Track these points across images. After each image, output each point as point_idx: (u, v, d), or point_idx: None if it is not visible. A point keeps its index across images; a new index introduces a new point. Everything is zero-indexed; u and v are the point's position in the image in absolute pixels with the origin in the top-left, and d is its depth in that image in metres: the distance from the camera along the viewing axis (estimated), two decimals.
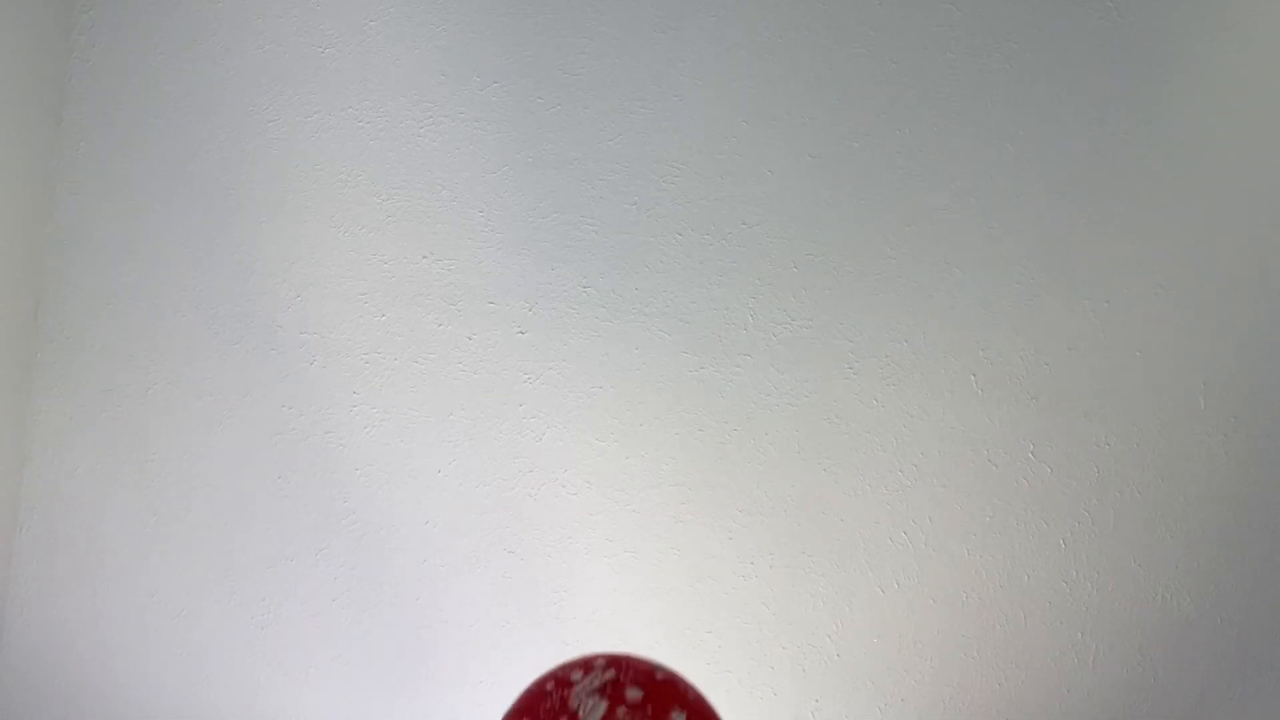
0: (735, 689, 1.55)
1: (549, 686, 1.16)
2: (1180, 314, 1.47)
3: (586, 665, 1.17)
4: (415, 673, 1.61)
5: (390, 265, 1.61)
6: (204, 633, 1.65)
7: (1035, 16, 1.49)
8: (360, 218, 1.61)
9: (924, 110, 1.51)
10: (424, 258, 1.60)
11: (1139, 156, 1.47)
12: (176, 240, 1.65)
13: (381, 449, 1.61)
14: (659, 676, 1.14)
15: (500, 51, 1.59)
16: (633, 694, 1.14)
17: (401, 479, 1.61)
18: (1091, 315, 1.48)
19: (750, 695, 1.55)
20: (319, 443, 1.62)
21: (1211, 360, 1.46)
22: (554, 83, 1.58)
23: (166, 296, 1.65)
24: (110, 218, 1.67)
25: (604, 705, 1.11)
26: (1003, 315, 1.50)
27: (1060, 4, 1.49)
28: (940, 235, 1.51)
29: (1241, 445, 1.45)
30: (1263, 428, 1.45)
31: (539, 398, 1.58)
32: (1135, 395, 1.47)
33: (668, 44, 1.56)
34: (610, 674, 1.15)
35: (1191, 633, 1.46)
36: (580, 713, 1.10)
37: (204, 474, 1.65)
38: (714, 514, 1.55)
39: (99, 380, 1.67)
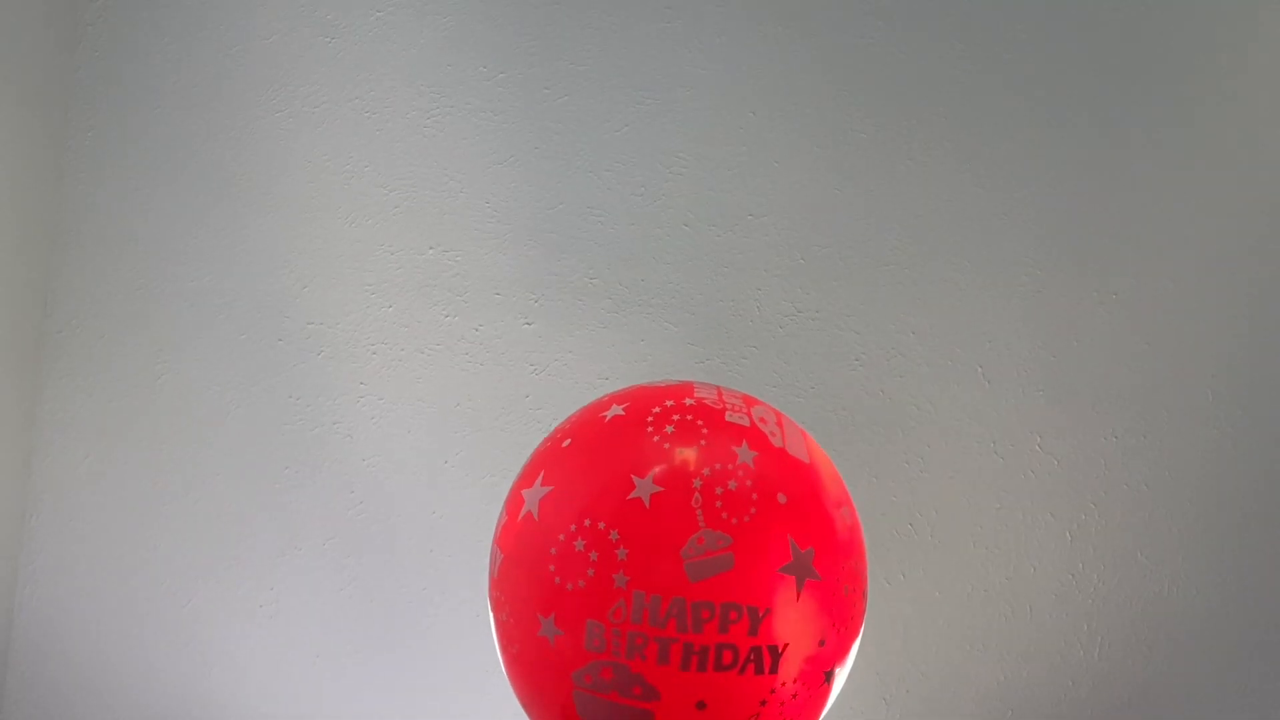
0: None
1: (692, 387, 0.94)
2: (1189, 307, 1.46)
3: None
4: (421, 662, 1.61)
5: (397, 256, 1.61)
6: (211, 621, 1.65)
7: (1045, 8, 1.48)
8: (367, 209, 1.61)
9: (932, 101, 1.50)
10: (431, 249, 1.60)
11: (1149, 148, 1.47)
12: (183, 231, 1.65)
13: (388, 440, 1.61)
14: None
15: (507, 42, 1.59)
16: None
17: (408, 470, 1.61)
18: (1099, 308, 1.47)
19: None
20: (325, 433, 1.63)
21: (1219, 353, 1.46)
22: (561, 73, 1.58)
23: (173, 287, 1.66)
24: (117, 209, 1.67)
25: (800, 434, 0.94)
26: (1010, 307, 1.49)
27: (1071, 4, 1.48)
28: (948, 227, 1.50)
29: (1249, 438, 1.45)
30: (1270, 421, 1.45)
31: (545, 389, 1.58)
32: (1143, 388, 1.47)
33: (675, 34, 1.55)
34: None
35: (1198, 625, 1.46)
36: (769, 434, 0.88)
37: (211, 464, 1.65)
38: None
39: (106, 371, 1.67)
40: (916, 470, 1.51)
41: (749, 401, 0.95)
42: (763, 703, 0.82)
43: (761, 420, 0.90)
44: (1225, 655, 1.45)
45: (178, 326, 1.66)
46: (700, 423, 0.88)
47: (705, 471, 0.84)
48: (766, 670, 0.82)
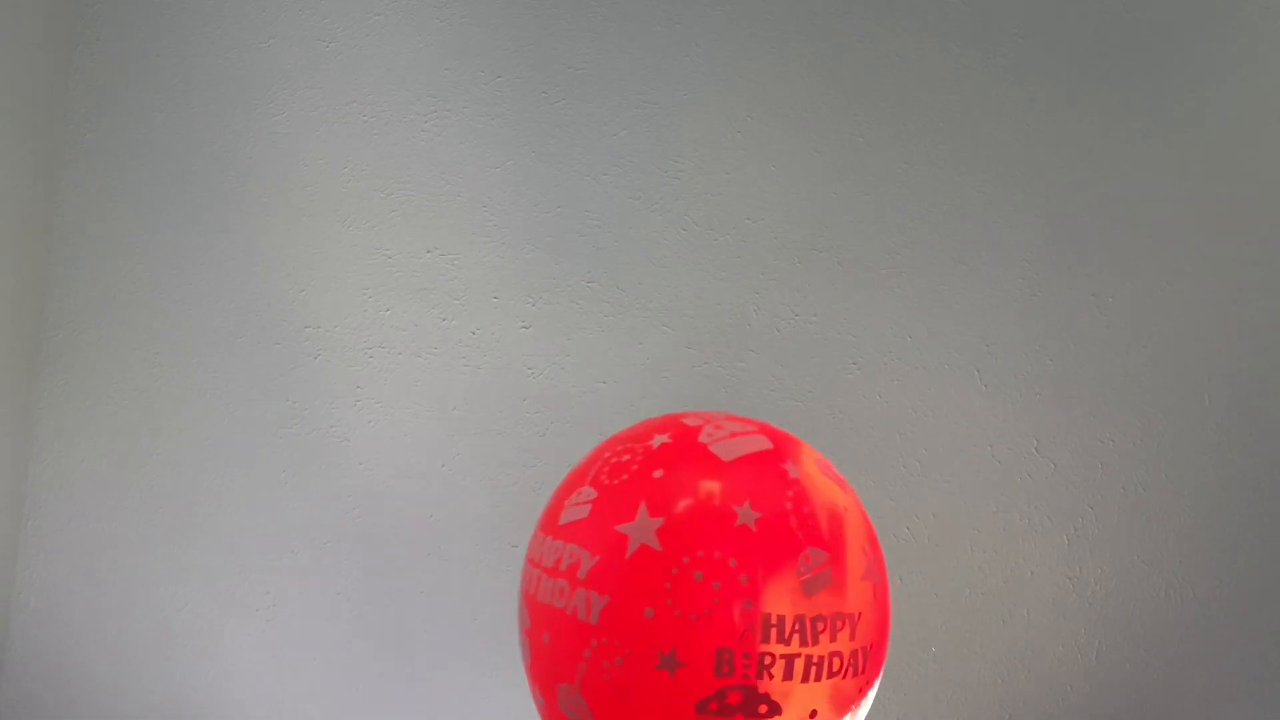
0: None
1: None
2: (1186, 310, 1.46)
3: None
4: (418, 666, 1.61)
5: (394, 259, 1.61)
6: (207, 625, 1.65)
7: (1041, 10, 1.48)
8: (364, 212, 1.61)
9: (929, 105, 1.50)
10: (428, 252, 1.60)
11: (1145, 151, 1.47)
12: (180, 234, 1.65)
13: (385, 443, 1.61)
14: None
15: (505, 46, 1.59)
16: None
17: (404, 473, 1.61)
18: (1096, 311, 1.47)
19: None
20: (322, 437, 1.62)
21: (1216, 357, 1.45)
22: (558, 77, 1.58)
23: (170, 291, 1.66)
24: (114, 213, 1.67)
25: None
26: (1007, 310, 1.49)
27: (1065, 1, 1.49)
28: (944, 230, 1.50)
29: (1246, 442, 1.45)
30: (1268, 424, 1.45)
31: (542, 392, 1.58)
32: (1140, 391, 1.47)
33: (672, 39, 1.56)
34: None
35: (1194, 629, 1.46)
36: (706, 433, 0.92)
37: (208, 468, 1.65)
38: None
39: (103, 375, 1.67)
40: (914, 473, 1.51)
41: (735, 419, 0.99)
42: (586, 653, 0.86)
43: (716, 426, 0.95)
44: (1222, 659, 1.45)
45: (174, 330, 1.66)
46: (658, 423, 0.98)
47: (619, 448, 0.93)
48: (588, 618, 0.86)
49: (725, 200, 1.54)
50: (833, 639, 0.88)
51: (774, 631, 0.85)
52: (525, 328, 1.58)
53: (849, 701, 0.91)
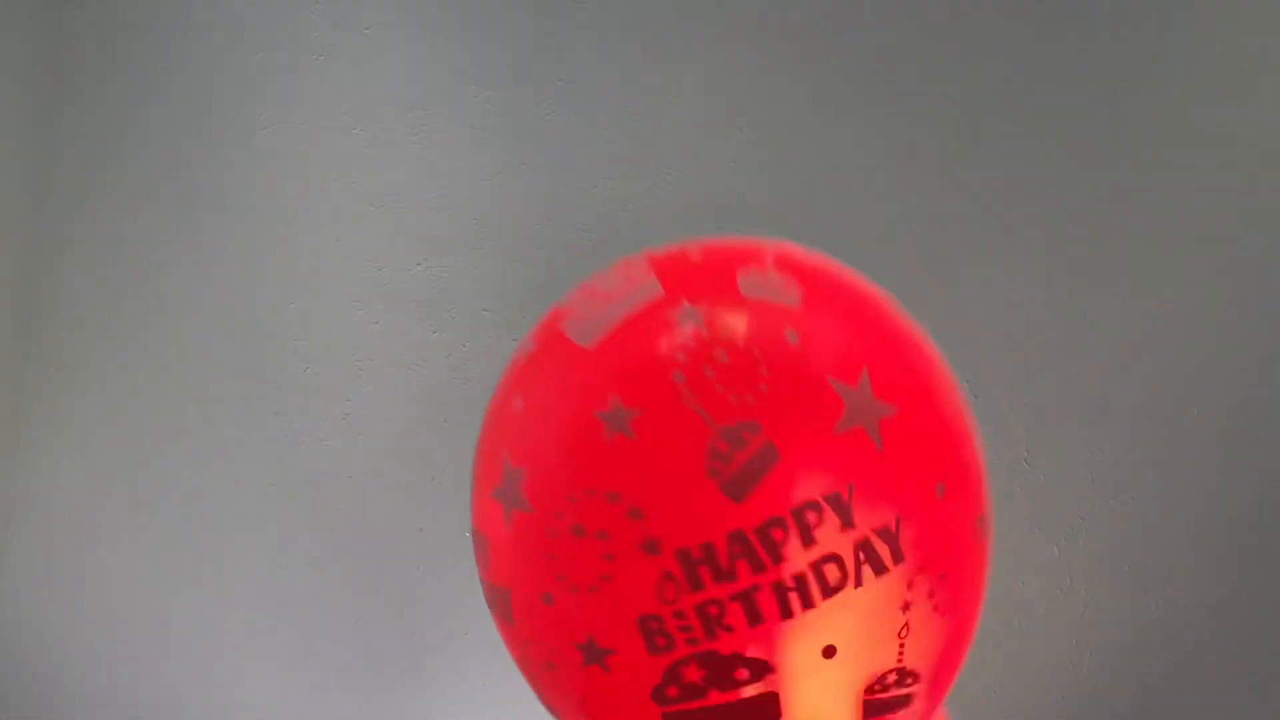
0: None
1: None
2: (1175, 321, 1.46)
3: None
4: (410, 680, 1.60)
5: (384, 272, 1.60)
6: (197, 640, 1.64)
7: (1036, 17, 1.49)
8: (354, 224, 1.61)
9: (923, 112, 1.51)
10: (418, 264, 1.60)
11: (1137, 162, 1.47)
12: (169, 245, 1.65)
13: (375, 456, 1.60)
14: None
15: (495, 56, 1.59)
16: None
17: (395, 486, 1.60)
18: (1086, 323, 1.48)
19: None
20: (312, 449, 1.62)
21: (1206, 367, 1.46)
22: (549, 87, 1.58)
23: (159, 301, 1.65)
24: (103, 222, 1.66)
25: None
26: (997, 321, 1.49)
27: (1063, 5, 1.49)
28: (935, 239, 1.51)
29: (1236, 452, 1.45)
30: (1257, 435, 1.45)
31: None
32: (1130, 402, 1.47)
33: (663, 47, 1.56)
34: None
35: (1187, 640, 1.46)
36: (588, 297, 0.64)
37: (196, 481, 1.64)
38: None
39: (91, 385, 1.66)
40: None
41: (621, 265, 0.69)
42: (524, 661, 0.68)
43: (588, 293, 0.65)
44: (1215, 670, 1.45)
45: (163, 341, 1.65)
46: (537, 326, 0.75)
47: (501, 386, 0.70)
48: (508, 618, 0.66)
49: (717, 209, 1.54)
50: (807, 543, 0.57)
51: (704, 569, 0.56)
52: (515, 339, 1.58)
53: (883, 612, 0.62)
